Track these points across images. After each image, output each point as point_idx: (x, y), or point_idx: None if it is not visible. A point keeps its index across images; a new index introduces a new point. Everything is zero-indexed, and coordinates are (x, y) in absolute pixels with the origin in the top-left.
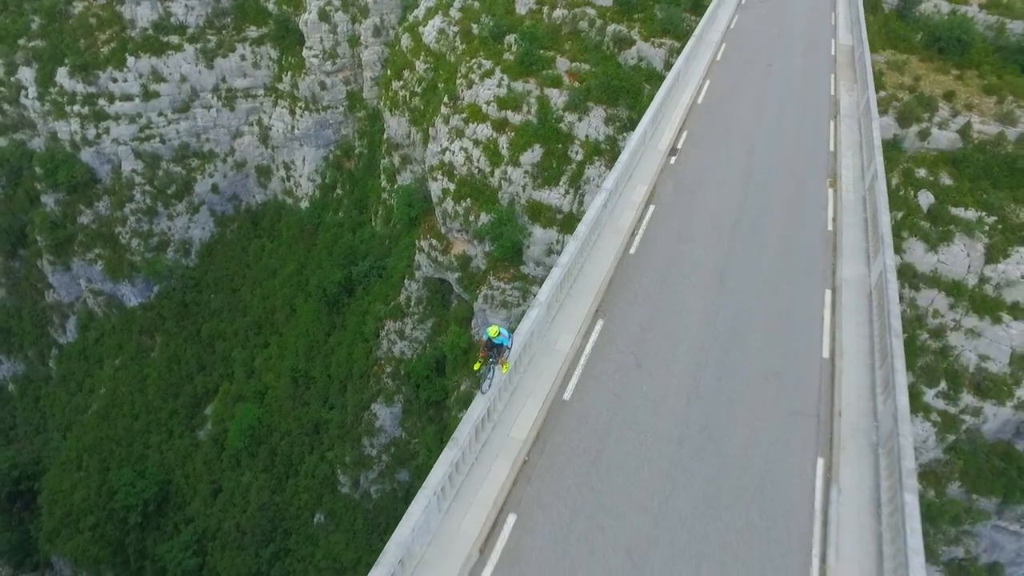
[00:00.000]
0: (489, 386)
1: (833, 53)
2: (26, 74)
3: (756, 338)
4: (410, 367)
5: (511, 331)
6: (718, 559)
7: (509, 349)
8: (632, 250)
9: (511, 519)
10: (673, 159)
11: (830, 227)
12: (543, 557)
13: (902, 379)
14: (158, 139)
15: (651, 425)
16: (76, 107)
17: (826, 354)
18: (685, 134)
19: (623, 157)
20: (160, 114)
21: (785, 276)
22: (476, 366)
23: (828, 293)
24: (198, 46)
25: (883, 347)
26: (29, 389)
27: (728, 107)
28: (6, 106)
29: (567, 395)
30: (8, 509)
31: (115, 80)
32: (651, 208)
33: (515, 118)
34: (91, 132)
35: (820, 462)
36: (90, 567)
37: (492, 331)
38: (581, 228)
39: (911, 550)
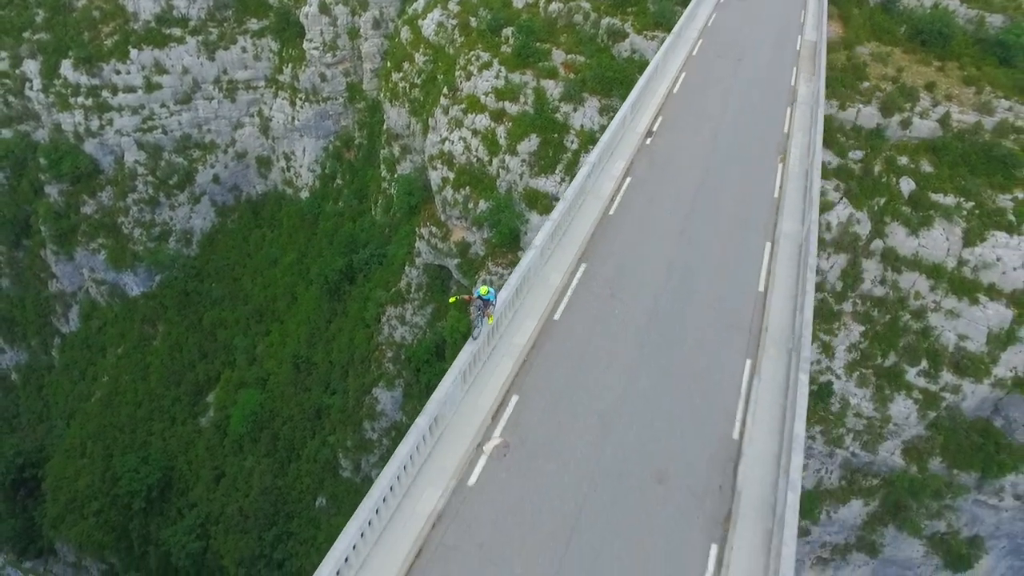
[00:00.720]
0: (479, 334)
1: (798, 48)
2: (31, 66)
3: (706, 277)
4: (411, 352)
5: (498, 290)
6: (667, 420)
7: (494, 305)
8: (611, 212)
9: (514, 398)
10: (649, 140)
11: (776, 194)
12: (538, 421)
13: (810, 300)
14: (160, 130)
15: (620, 335)
16: (80, 99)
17: (761, 288)
18: (660, 119)
19: (604, 137)
20: (162, 105)
21: (735, 231)
22: (452, 300)
23: (768, 244)
24: (200, 38)
25: (802, 282)
26: (32, 378)
27: (700, 96)
28: (11, 98)
29: (557, 316)
30: (12, 497)
31: (118, 72)
32: (628, 179)
33: (513, 109)
34: (94, 123)
35: (748, 362)
36: (94, 552)
37: (483, 290)
38: (568, 192)
39: (799, 409)
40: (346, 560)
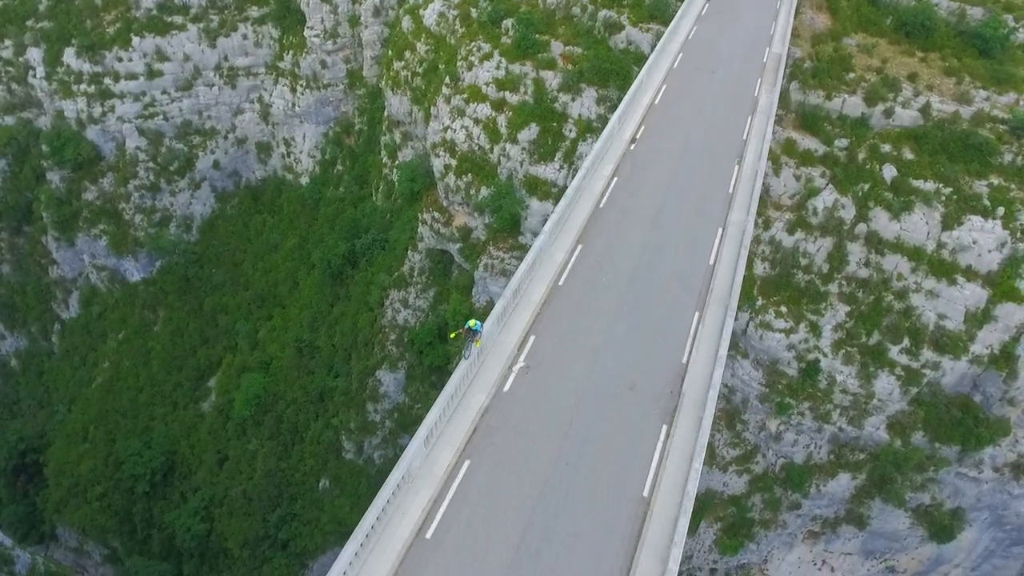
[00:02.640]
0: (468, 355)
1: (764, 61)
2: (34, 54)
3: (671, 254)
4: (413, 334)
5: (484, 319)
6: (637, 351)
7: (480, 333)
8: (601, 205)
9: (532, 337)
10: (633, 146)
11: (730, 190)
12: (549, 351)
13: (741, 270)
14: (161, 117)
15: (606, 295)
16: (82, 86)
17: (711, 262)
18: (643, 128)
19: (596, 145)
20: (163, 92)
21: (695, 219)
22: (452, 335)
23: (720, 230)
24: (201, 26)
25: (739, 258)
26: (32, 364)
27: (677, 106)
28: (14, 85)
29: (561, 282)
30: (12, 483)
31: (120, 60)
32: (615, 179)
33: (513, 98)
34: (97, 110)
35: (697, 314)
36: (97, 536)
37: (472, 322)
38: (569, 191)
39: (723, 341)
40: (429, 433)
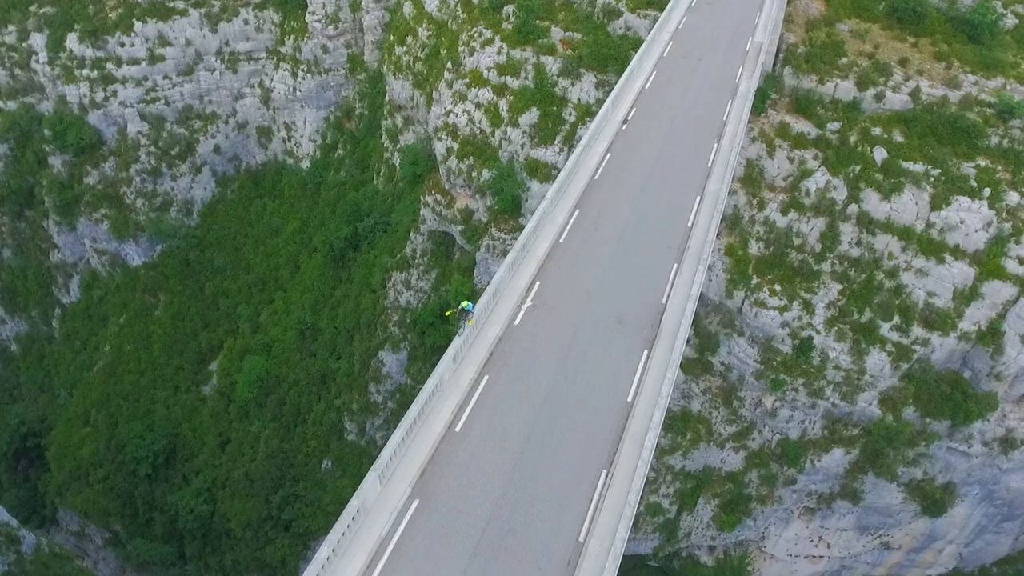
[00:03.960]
0: (463, 331)
1: (747, 49)
2: (37, 40)
3: (655, 217)
4: (416, 315)
5: (477, 300)
6: (625, 293)
7: (472, 313)
8: (596, 177)
9: (538, 282)
10: (625, 126)
11: (709, 164)
12: (551, 293)
13: (714, 230)
14: (163, 101)
15: (599, 250)
16: (85, 71)
17: (689, 224)
18: (635, 110)
19: (592, 125)
20: (165, 77)
21: (677, 189)
22: (448, 313)
23: (698, 198)
24: (202, 11)
25: (713, 221)
26: (33, 348)
27: (665, 91)
28: (17, 70)
29: (561, 240)
30: (13, 467)
31: (123, 45)
32: (608, 155)
33: (514, 83)
34: (99, 95)
35: (675, 266)
36: (99, 519)
37: (464, 303)
38: (568, 164)
39: (695, 286)
40: (456, 353)
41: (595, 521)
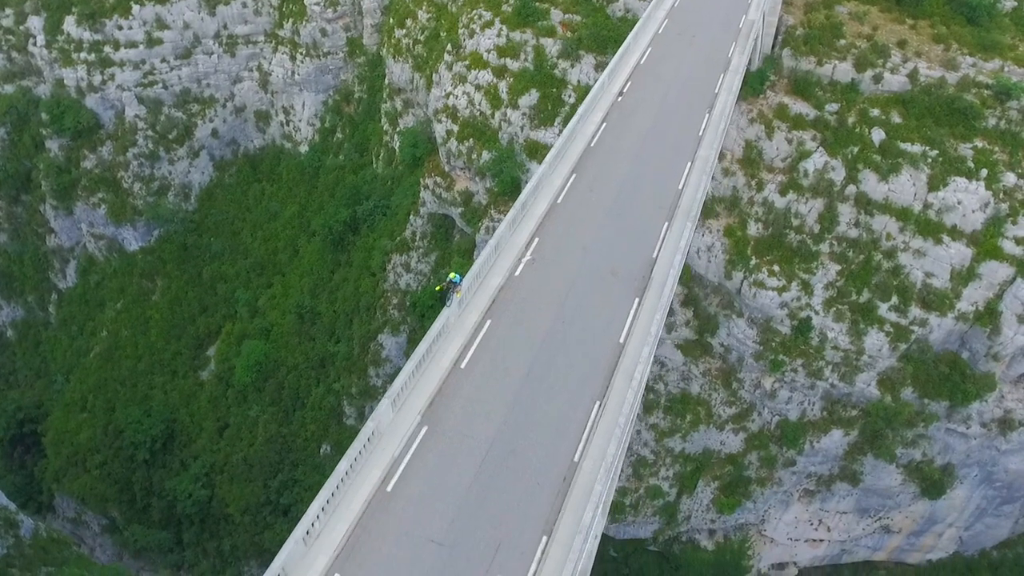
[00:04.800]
0: (451, 303)
1: (740, 27)
2: (35, 23)
3: (648, 180)
4: (415, 298)
5: (465, 273)
6: (619, 246)
7: (460, 285)
8: (592, 144)
9: (536, 239)
10: (620, 98)
11: (700, 133)
12: (549, 248)
13: (703, 192)
14: (160, 85)
15: (595, 210)
16: (82, 54)
17: (680, 187)
18: (630, 83)
19: (588, 96)
20: (163, 60)
21: (669, 155)
22: (438, 288)
23: (689, 163)
24: None
25: (704, 183)
26: (29, 334)
27: (660, 66)
28: (14, 54)
29: (559, 201)
30: (10, 453)
31: (120, 28)
32: (604, 124)
33: (513, 65)
34: (97, 78)
35: (665, 224)
36: (96, 506)
37: (452, 275)
38: (565, 131)
39: (684, 241)
40: (461, 299)
41: (588, 444)
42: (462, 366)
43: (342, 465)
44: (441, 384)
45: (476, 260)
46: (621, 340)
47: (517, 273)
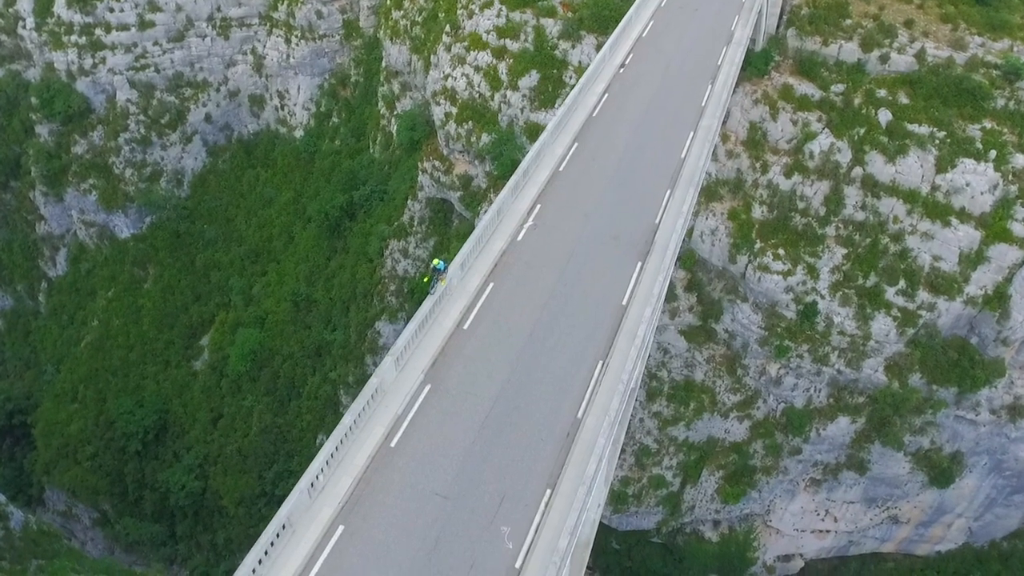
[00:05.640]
0: (435, 291)
1: (743, 1)
2: (24, 5)
3: (651, 149)
4: (414, 284)
5: (450, 260)
6: (621, 213)
7: (444, 272)
8: (594, 115)
9: (538, 206)
10: (622, 70)
11: (703, 103)
12: (551, 214)
13: (706, 160)
14: (152, 68)
15: (597, 178)
16: (73, 37)
17: (683, 155)
18: (632, 55)
19: (589, 68)
20: (155, 43)
21: (671, 124)
22: (425, 279)
23: (691, 133)
24: None
25: (706, 152)
26: (18, 323)
27: (662, 39)
28: (3, 37)
29: (561, 168)
30: None
31: (112, 10)
32: (606, 95)
33: (513, 46)
34: (87, 62)
35: (668, 191)
36: (87, 498)
37: (435, 262)
38: (567, 100)
39: (687, 205)
40: (464, 261)
41: (592, 401)
42: (465, 327)
43: (347, 419)
44: (444, 344)
45: (478, 225)
46: (624, 302)
47: (519, 238)
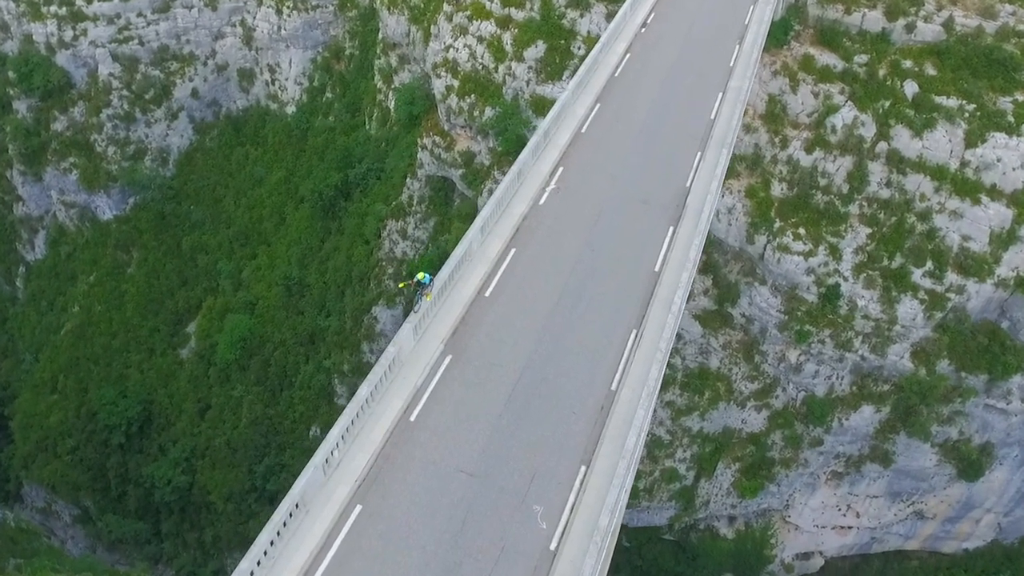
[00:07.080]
0: (419, 309)
1: None
2: None
3: (677, 110)
4: (412, 267)
5: (437, 272)
6: (650, 176)
7: (429, 287)
8: (616, 74)
9: (560, 168)
10: (644, 29)
11: (731, 63)
12: (575, 176)
13: (737, 120)
14: (136, 41)
15: (622, 139)
16: (52, 8)
17: (712, 116)
18: (653, 15)
19: (610, 26)
20: (139, 15)
21: (699, 84)
22: (402, 284)
23: (720, 94)
24: None
25: (738, 112)
26: None
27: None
28: None
29: (583, 130)
30: None
31: None
32: (627, 55)
33: (518, 15)
34: (67, 34)
35: (699, 153)
36: (68, 494)
37: (420, 275)
38: (587, 60)
39: (719, 170)
40: (481, 227)
41: (627, 372)
42: (486, 294)
43: (363, 391)
44: (464, 312)
45: (498, 187)
46: (656, 268)
47: (542, 202)
